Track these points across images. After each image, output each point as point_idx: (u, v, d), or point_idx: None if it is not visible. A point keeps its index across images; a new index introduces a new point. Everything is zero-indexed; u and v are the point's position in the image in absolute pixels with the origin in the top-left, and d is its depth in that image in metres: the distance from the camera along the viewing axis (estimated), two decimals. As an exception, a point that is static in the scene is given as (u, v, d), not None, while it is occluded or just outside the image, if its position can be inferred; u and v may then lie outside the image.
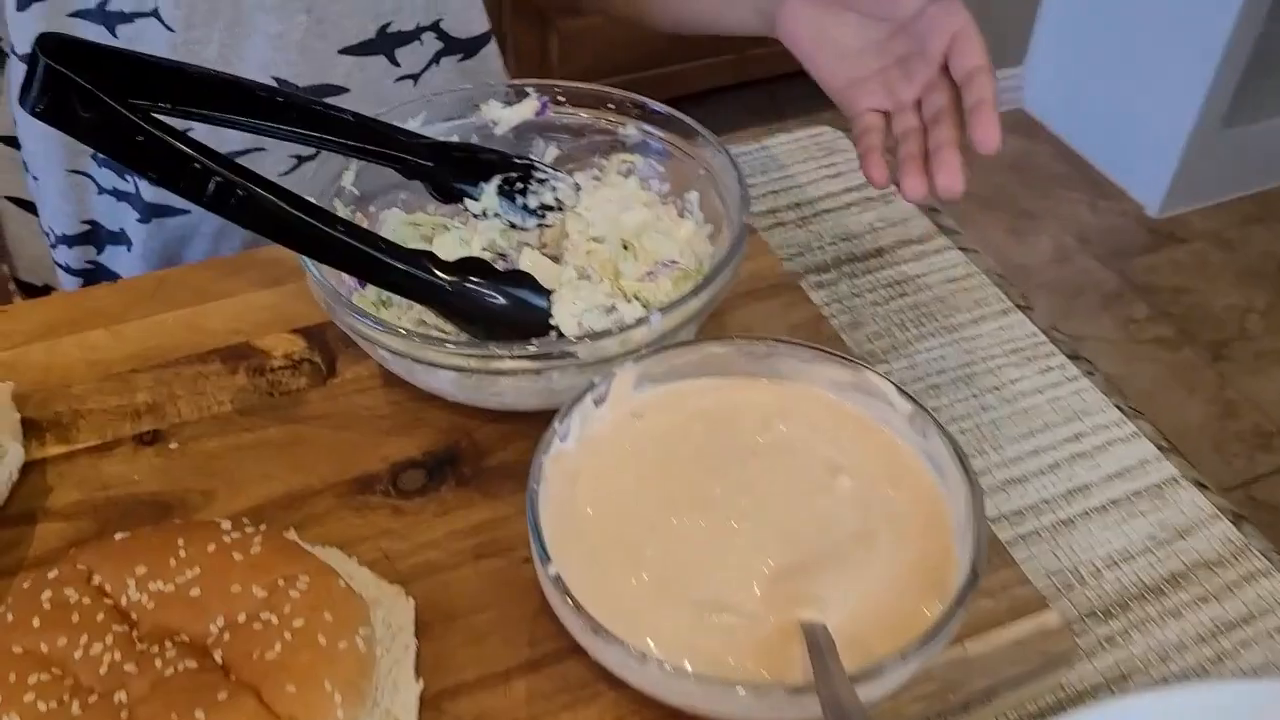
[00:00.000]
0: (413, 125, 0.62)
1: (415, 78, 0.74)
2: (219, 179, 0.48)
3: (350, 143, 0.59)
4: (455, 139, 0.63)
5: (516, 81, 0.65)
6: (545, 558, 0.42)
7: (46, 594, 0.43)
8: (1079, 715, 0.39)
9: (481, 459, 0.55)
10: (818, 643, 0.41)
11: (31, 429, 0.55)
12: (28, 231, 0.78)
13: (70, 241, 0.75)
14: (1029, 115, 2.40)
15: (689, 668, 0.41)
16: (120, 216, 0.73)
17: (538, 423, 0.49)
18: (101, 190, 0.73)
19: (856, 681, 0.39)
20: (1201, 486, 0.59)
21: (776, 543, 0.46)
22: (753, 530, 0.47)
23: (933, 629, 0.41)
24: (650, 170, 0.64)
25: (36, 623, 0.42)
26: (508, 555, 0.51)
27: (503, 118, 0.65)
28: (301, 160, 0.73)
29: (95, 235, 0.75)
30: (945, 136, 0.57)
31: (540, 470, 0.46)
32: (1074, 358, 0.66)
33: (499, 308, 0.54)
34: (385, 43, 0.72)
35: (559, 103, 0.65)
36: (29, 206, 0.76)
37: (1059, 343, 0.67)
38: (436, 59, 0.75)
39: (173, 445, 0.56)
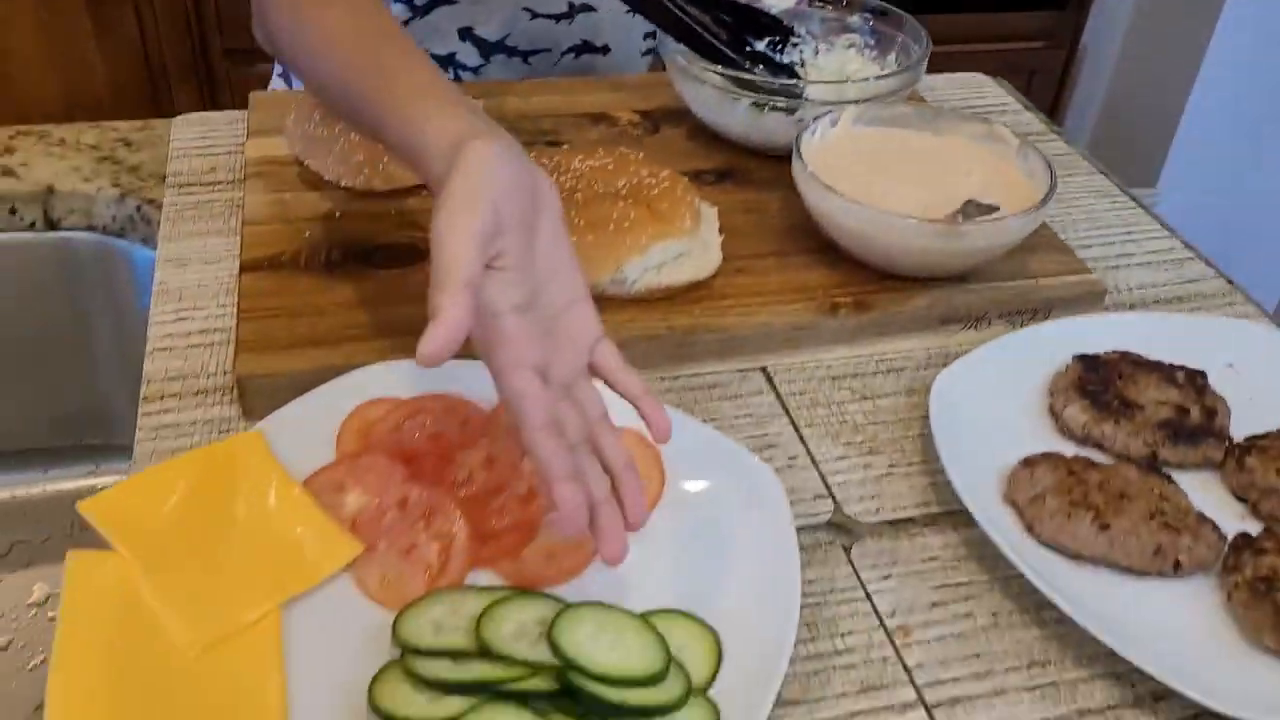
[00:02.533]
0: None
1: None
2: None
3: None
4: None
5: (786, -17, 1.03)
6: (803, 166, 0.77)
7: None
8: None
9: (749, 175, 0.91)
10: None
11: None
12: None
13: None
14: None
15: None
16: None
17: (790, 170, 0.84)
18: None
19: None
20: None
21: (934, 186, 0.80)
22: (925, 187, 0.81)
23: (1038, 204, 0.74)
24: (865, 43, 1.00)
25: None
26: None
27: (776, 4, 1.02)
28: None
29: None
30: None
31: (800, 148, 0.81)
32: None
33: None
34: None
35: (812, 3, 1.02)
36: None
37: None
38: None
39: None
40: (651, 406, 0.58)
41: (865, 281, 0.79)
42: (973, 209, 0.76)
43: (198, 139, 0.96)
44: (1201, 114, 2.52)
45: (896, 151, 0.85)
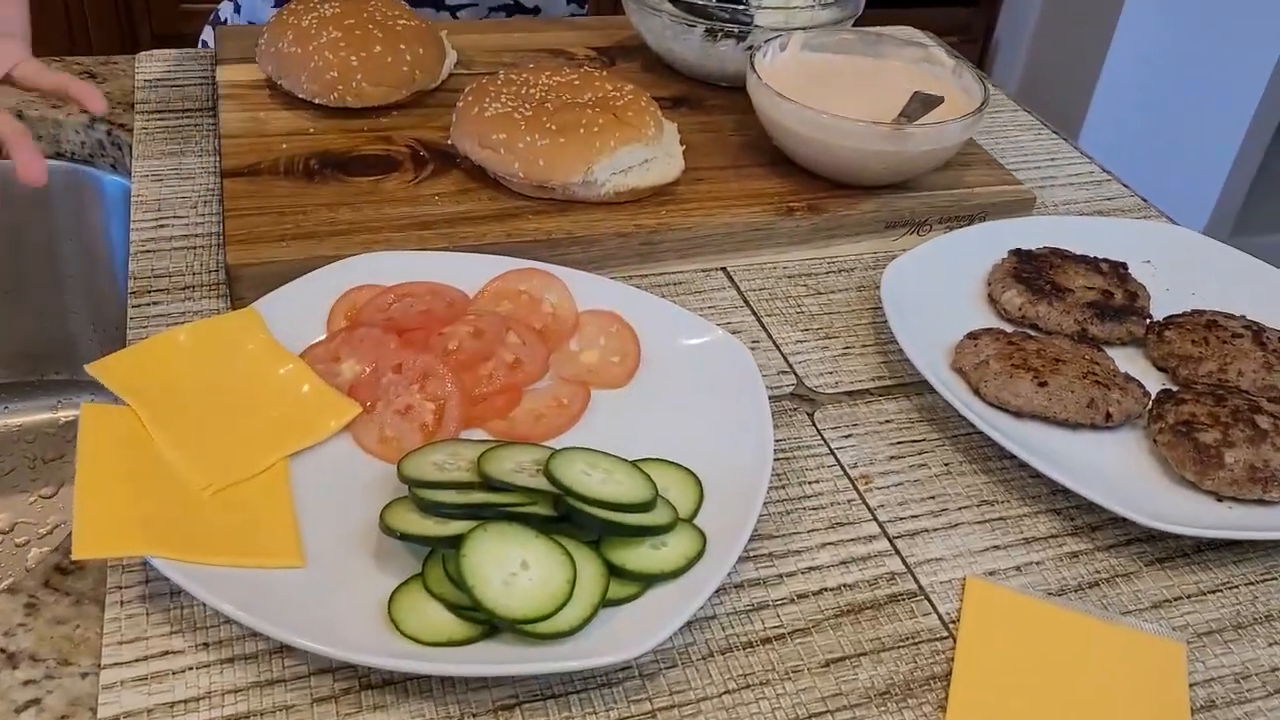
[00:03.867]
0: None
1: None
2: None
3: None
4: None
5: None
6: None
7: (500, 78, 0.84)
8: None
9: (702, 102, 0.96)
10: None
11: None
12: None
13: None
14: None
15: (830, 131, 0.81)
16: None
17: (740, 98, 0.89)
18: None
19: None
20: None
21: (877, 103, 0.86)
22: (869, 104, 0.86)
23: (974, 110, 0.80)
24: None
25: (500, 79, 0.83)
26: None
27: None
28: None
29: None
30: None
31: (754, 65, 0.86)
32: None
33: None
34: None
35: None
36: None
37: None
38: None
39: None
40: (80, 87, 0.71)
41: (816, 189, 0.85)
42: (918, 102, 0.83)
43: (162, 72, 0.98)
44: (1108, 104, 2.65)
45: (841, 73, 0.91)
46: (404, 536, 0.54)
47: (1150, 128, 2.63)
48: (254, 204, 0.76)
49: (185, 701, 0.49)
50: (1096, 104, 2.70)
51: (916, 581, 0.59)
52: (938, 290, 0.78)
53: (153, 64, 0.99)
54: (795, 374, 0.73)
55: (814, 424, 0.69)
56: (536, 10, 1.16)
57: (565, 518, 0.56)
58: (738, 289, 0.80)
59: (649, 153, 0.81)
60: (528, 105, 0.81)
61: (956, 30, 2.85)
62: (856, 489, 0.65)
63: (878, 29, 1.15)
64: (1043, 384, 0.67)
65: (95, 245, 0.99)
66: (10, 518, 1.00)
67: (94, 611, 0.53)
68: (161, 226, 0.79)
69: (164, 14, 2.19)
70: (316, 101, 0.86)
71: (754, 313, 0.78)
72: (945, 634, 0.56)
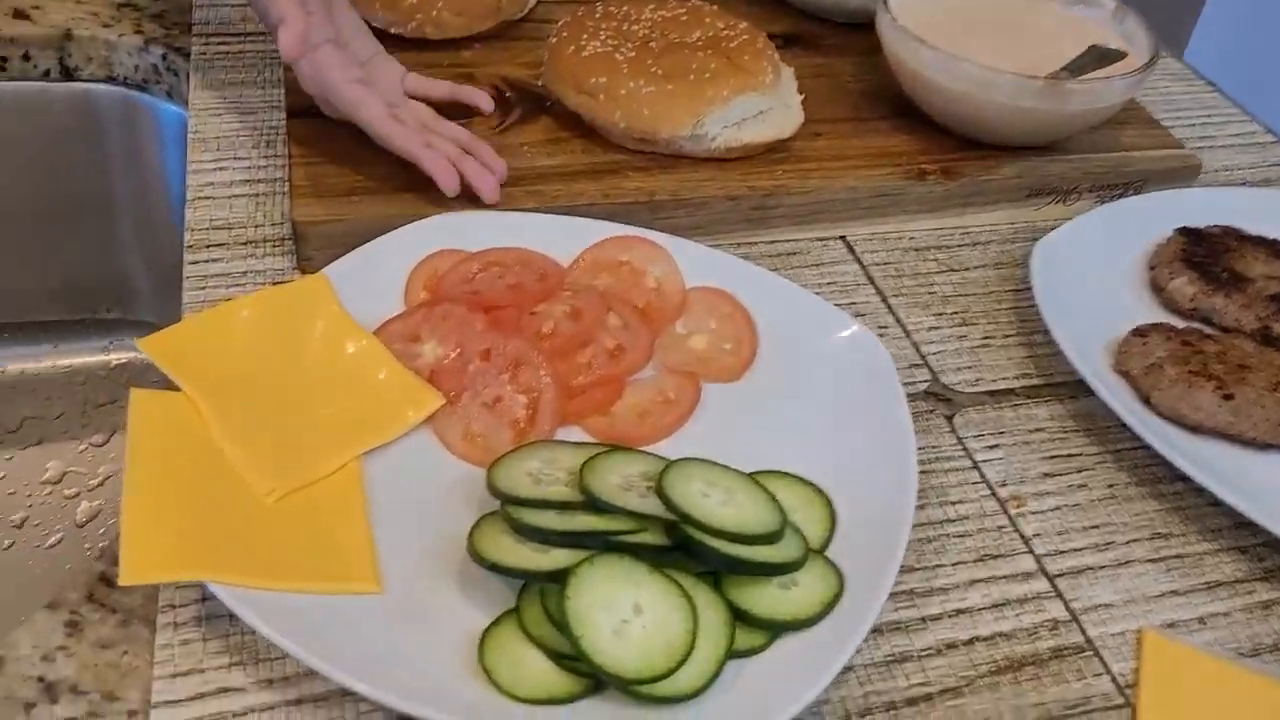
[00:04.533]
0: None
1: None
2: None
3: None
4: None
5: None
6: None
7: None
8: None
9: (817, 41, 0.86)
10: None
11: None
12: None
13: None
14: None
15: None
16: None
17: (859, 37, 0.79)
18: None
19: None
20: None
21: (1026, 51, 0.75)
22: (1017, 52, 0.76)
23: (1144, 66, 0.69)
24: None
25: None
26: (840, 78, 0.81)
27: None
28: None
29: None
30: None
31: (886, 1, 0.75)
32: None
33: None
34: None
35: None
36: None
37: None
38: None
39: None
40: (469, 92, 0.71)
41: (950, 149, 0.75)
42: (1092, 57, 0.71)
43: (223, -11, 0.89)
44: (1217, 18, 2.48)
45: (983, 13, 0.80)
46: (497, 568, 0.46)
47: (1262, 47, 2.45)
48: (321, 151, 0.68)
49: (245, 756, 0.43)
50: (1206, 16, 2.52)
51: (1084, 633, 0.51)
52: (1092, 273, 0.68)
53: (212, -21, 0.90)
54: (930, 368, 0.64)
55: (953, 430, 0.60)
56: None
57: (679, 545, 0.48)
58: (859, 262, 0.71)
59: (766, 103, 0.71)
60: (630, 45, 0.71)
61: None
62: (1007, 513, 0.56)
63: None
64: (1228, 396, 0.58)
65: (150, 178, 0.91)
66: (60, 466, 0.94)
67: (143, 633, 0.47)
68: (221, 169, 0.71)
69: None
70: (392, 31, 0.77)
71: (879, 291, 0.69)
72: (1121, 701, 0.48)
